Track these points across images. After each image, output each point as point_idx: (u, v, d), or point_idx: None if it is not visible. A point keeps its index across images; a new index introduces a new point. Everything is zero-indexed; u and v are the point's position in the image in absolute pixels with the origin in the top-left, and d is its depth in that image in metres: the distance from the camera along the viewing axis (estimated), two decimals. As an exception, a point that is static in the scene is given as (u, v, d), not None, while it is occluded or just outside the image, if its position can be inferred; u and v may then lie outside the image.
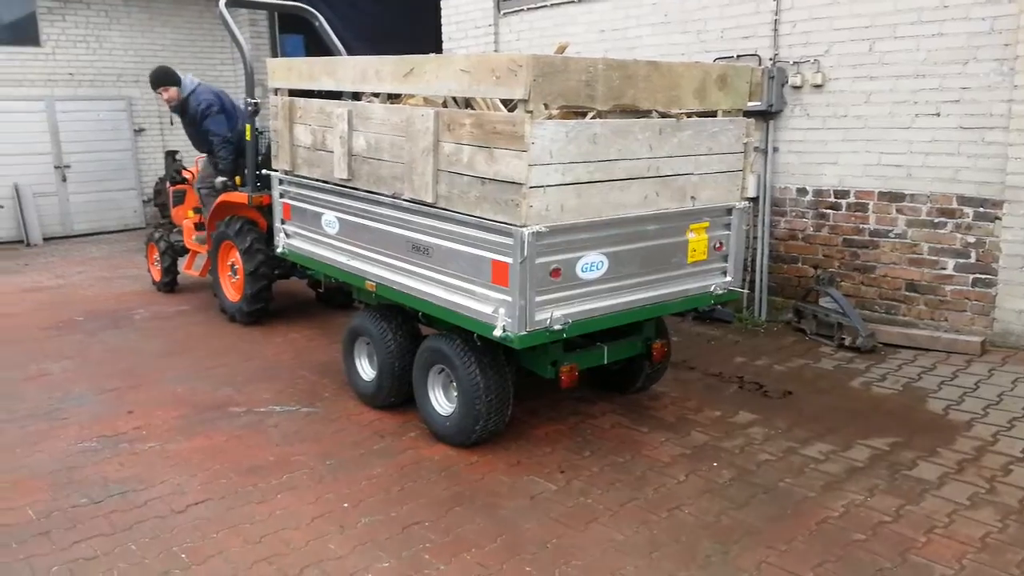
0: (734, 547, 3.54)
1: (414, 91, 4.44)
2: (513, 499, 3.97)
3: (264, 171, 5.87)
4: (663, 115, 4.31)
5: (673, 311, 4.81)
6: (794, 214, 6.98)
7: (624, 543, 3.57)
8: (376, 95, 4.89)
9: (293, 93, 5.50)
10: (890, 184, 6.37)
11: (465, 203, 4.07)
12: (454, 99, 4.37)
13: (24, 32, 12.03)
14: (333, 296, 7.50)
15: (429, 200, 4.25)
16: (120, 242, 11.98)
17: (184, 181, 8.16)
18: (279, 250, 5.79)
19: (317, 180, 5.23)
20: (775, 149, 6.95)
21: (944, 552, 3.47)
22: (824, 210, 6.79)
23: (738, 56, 6.99)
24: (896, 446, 4.55)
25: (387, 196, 4.61)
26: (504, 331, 3.91)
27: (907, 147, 6.22)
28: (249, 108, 6.82)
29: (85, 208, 12.52)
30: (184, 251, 8.31)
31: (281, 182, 5.66)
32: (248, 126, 6.85)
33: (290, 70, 5.43)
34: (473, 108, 4.26)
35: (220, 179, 7.17)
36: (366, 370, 5.20)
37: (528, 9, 8.80)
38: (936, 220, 6.19)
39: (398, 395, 4.97)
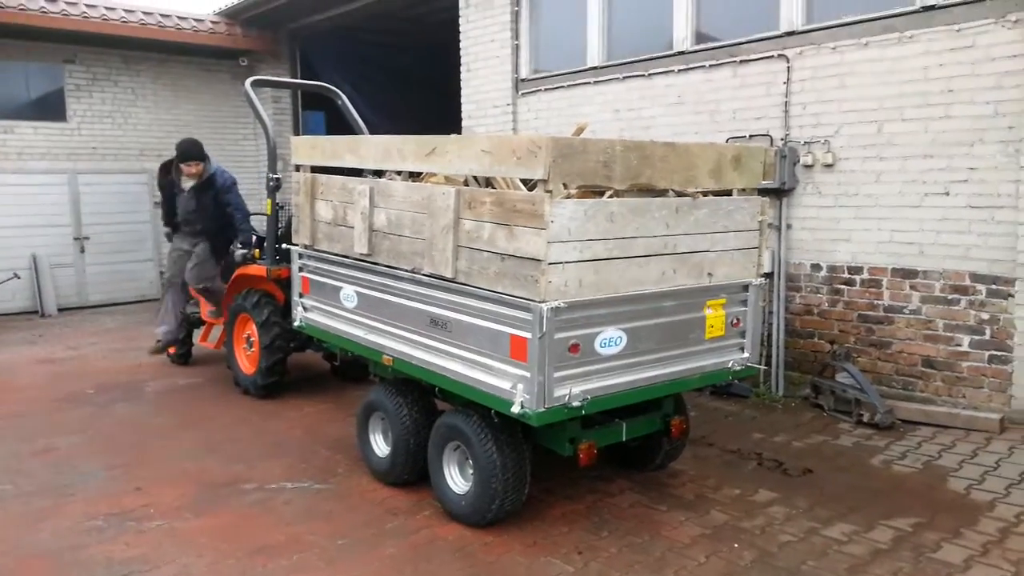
0: (759, 634, 3.44)
1: (436, 170, 4.54)
2: (530, 581, 3.89)
3: (284, 245, 5.94)
4: (679, 194, 4.38)
5: (691, 387, 4.79)
6: (809, 289, 7.01)
7: (645, 628, 3.48)
8: (398, 173, 4.99)
9: (315, 170, 5.62)
10: (903, 261, 6.41)
11: (485, 278, 4.11)
12: (475, 178, 4.46)
13: (51, 108, 12.39)
14: (348, 369, 7.49)
15: (449, 275, 4.29)
16: (135, 313, 12.06)
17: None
18: (297, 324, 5.82)
19: (337, 255, 5.30)
20: (789, 226, 7.02)
21: (976, 641, 3.36)
22: (838, 286, 6.82)
23: (750, 136, 7.13)
24: (919, 527, 4.45)
25: (406, 271, 4.65)
26: (522, 407, 3.90)
27: (918, 225, 6.28)
28: (271, 183, 6.96)
29: (101, 279, 12.66)
30: (199, 323, 8.36)
31: (301, 256, 5.73)
32: (269, 200, 6.98)
33: (314, 147, 5.57)
34: (493, 187, 4.33)
35: (241, 251, 7.26)
36: (380, 446, 5.16)
37: (545, 90, 9.04)
38: (950, 297, 6.19)
39: (412, 472, 4.92)
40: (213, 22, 13.06)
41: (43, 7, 11.19)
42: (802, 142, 6.85)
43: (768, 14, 7.07)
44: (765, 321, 6.91)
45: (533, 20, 9.30)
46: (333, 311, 5.45)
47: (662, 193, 4.33)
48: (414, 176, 4.94)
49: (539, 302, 3.79)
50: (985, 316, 6.02)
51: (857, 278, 6.70)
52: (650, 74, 7.98)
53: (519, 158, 3.84)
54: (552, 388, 3.90)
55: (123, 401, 7.17)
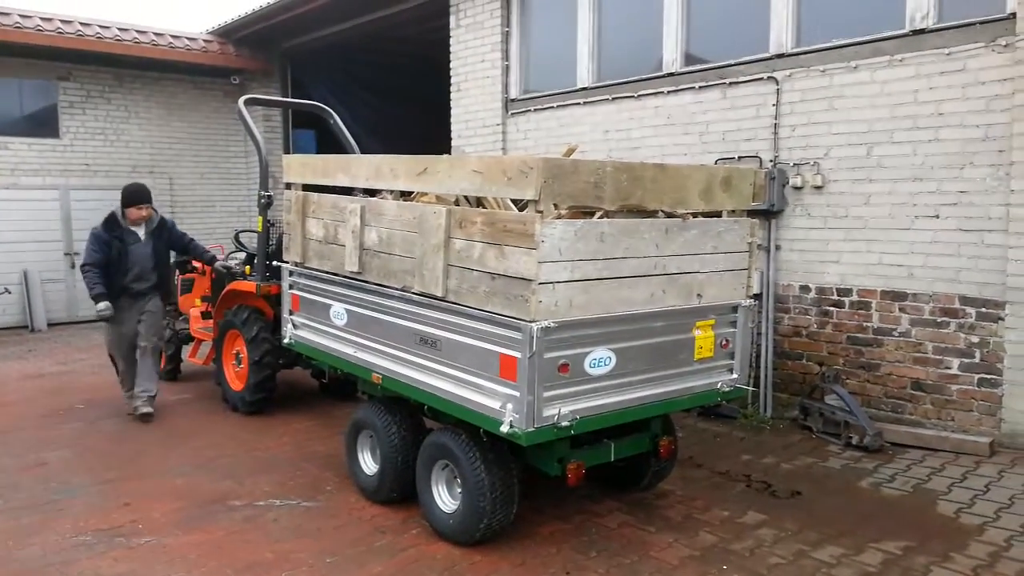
0: (747, 656, 3.42)
1: (427, 189, 4.56)
2: (518, 602, 3.87)
3: (274, 262, 5.94)
4: (669, 215, 4.40)
5: (680, 408, 4.79)
6: (798, 311, 7.04)
7: (633, 650, 3.46)
8: (389, 192, 5.01)
9: (307, 188, 5.63)
10: (892, 283, 6.44)
11: (475, 297, 4.12)
12: (466, 197, 4.48)
13: (44, 124, 12.43)
14: (336, 387, 7.47)
15: (439, 294, 4.30)
16: (124, 329, 11.99)
17: (193, 270, 8.26)
18: (286, 341, 5.81)
19: (327, 272, 5.30)
20: (778, 247, 7.06)
21: (964, 665, 3.36)
22: (827, 308, 6.85)
23: (739, 157, 7.18)
24: (908, 550, 4.45)
25: (397, 289, 4.66)
26: (511, 427, 3.89)
27: (908, 247, 6.32)
28: (262, 200, 6.97)
29: (92, 295, 12.60)
30: (189, 339, 8.34)
31: (291, 273, 5.73)
32: (260, 218, 6.98)
33: (305, 166, 5.59)
34: (484, 206, 4.35)
35: (221, 263, 7.57)
36: (368, 464, 5.14)
37: (535, 110, 9.11)
38: (939, 320, 6.22)
39: (401, 490, 4.90)
40: (206, 41, 13.14)
41: (38, 24, 11.23)
42: (791, 164, 6.91)
43: (758, 36, 7.15)
44: (754, 342, 6.93)
45: (523, 41, 9.39)
46: (323, 328, 5.45)
47: (652, 214, 4.35)
48: (405, 195, 4.96)
49: (529, 322, 3.80)
50: (975, 339, 6.05)
51: (846, 300, 6.73)
52: (639, 95, 8.05)
53: (510, 178, 3.87)
54: (541, 408, 3.90)
55: (113, 416, 7.13)
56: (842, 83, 6.58)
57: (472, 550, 4.37)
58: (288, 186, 5.72)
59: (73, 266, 12.42)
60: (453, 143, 10.05)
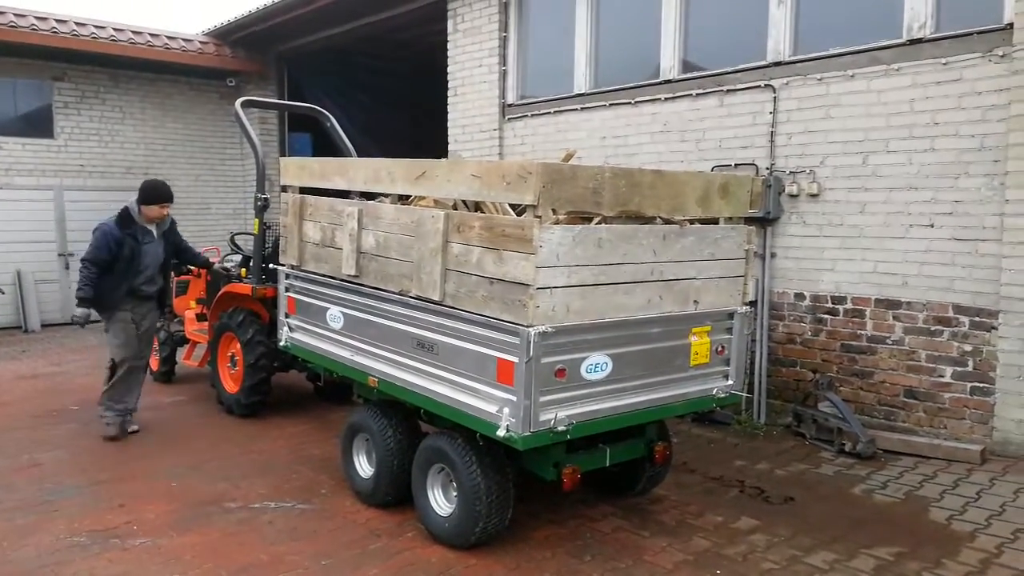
0: (741, 661, 3.44)
1: (425, 193, 4.56)
2: (513, 606, 3.87)
3: (271, 265, 5.95)
4: (667, 221, 4.43)
5: (676, 414, 4.82)
6: (792, 318, 7.07)
7: (628, 655, 3.48)
8: (386, 195, 5.03)
9: (303, 191, 5.64)
10: (886, 292, 6.48)
11: (472, 302, 4.13)
12: (464, 202, 4.50)
13: (39, 124, 12.40)
14: (331, 390, 7.47)
15: (436, 298, 4.31)
16: (118, 330, 11.96)
17: (188, 272, 8.23)
18: (282, 344, 5.81)
19: (324, 275, 5.31)
20: (773, 255, 7.10)
21: (957, 671, 3.38)
22: (822, 315, 6.88)
23: (736, 165, 7.22)
24: (901, 556, 4.47)
25: (394, 293, 4.67)
26: (508, 431, 3.90)
27: (902, 256, 6.36)
28: (259, 203, 6.97)
29: (85, 296, 12.56)
30: (184, 341, 8.32)
31: (288, 276, 5.73)
32: (257, 220, 6.99)
33: (302, 169, 5.59)
34: (482, 211, 4.36)
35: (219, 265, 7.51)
36: (364, 467, 5.15)
37: (532, 115, 9.14)
38: (933, 328, 6.26)
39: (396, 493, 4.91)
40: (202, 42, 13.13)
41: (33, 24, 11.21)
42: (787, 172, 6.95)
43: (755, 44, 7.19)
44: (748, 349, 6.95)
45: (520, 46, 9.42)
46: (319, 331, 5.45)
47: (650, 220, 4.38)
48: (403, 199, 4.97)
49: (527, 326, 3.81)
50: (968, 348, 6.09)
51: (840, 308, 6.77)
52: (636, 102, 8.09)
53: (509, 183, 3.88)
54: (538, 412, 3.91)
55: (105, 419, 7.10)
56: (839, 91, 6.62)
57: (467, 553, 4.37)
58: (285, 189, 5.73)
59: (67, 267, 12.38)
60: (449, 147, 10.07)
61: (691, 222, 4.53)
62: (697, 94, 7.58)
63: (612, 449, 4.64)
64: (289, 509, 5.04)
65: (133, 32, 12.28)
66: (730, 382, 4.86)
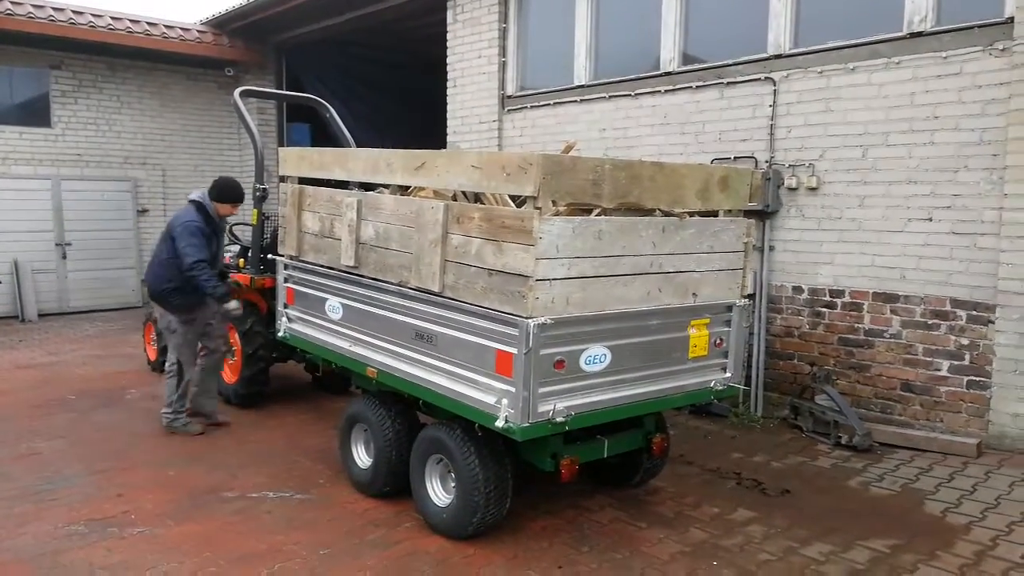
0: (738, 652, 3.46)
1: (425, 184, 4.56)
2: (511, 596, 3.89)
3: (270, 255, 5.94)
4: (666, 213, 4.43)
5: (674, 406, 4.83)
6: (790, 311, 7.08)
7: (625, 645, 3.49)
8: (385, 186, 5.02)
9: (303, 181, 5.62)
10: (884, 285, 6.49)
11: (472, 293, 4.13)
12: (463, 193, 4.49)
13: (36, 113, 12.34)
14: (329, 381, 7.47)
15: (436, 289, 4.31)
16: (116, 320, 11.97)
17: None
18: (281, 334, 5.81)
19: (323, 266, 5.30)
20: (771, 248, 7.10)
21: (951, 662, 3.40)
22: (819, 308, 6.89)
23: (735, 158, 7.21)
24: (896, 548, 4.49)
25: (393, 284, 4.67)
26: (507, 422, 3.91)
27: (901, 250, 6.37)
28: (257, 193, 6.96)
29: (83, 285, 12.57)
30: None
31: (286, 267, 5.73)
32: (255, 211, 6.97)
33: (301, 159, 5.58)
34: (482, 202, 4.36)
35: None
36: (362, 457, 5.16)
37: (531, 107, 9.12)
38: (930, 322, 6.28)
39: (394, 484, 4.92)
40: (199, 32, 13.07)
41: (30, 12, 11.15)
42: (787, 165, 6.95)
43: (755, 37, 7.18)
44: (746, 342, 6.96)
45: (520, 37, 9.39)
46: (318, 322, 5.45)
47: (649, 212, 4.38)
48: (402, 190, 4.96)
49: (526, 318, 3.81)
50: (965, 342, 6.11)
51: (838, 301, 6.78)
52: (636, 94, 8.07)
53: (509, 174, 3.88)
54: (537, 403, 3.92)
55: (104, 407, 7.12)
56: (839, 85, 6.61)
57: (465, 544, 4.39)
58: (283, 179, 5.72)
59: (64, 257, 12.35)
60: (448, 139, 10.05)
61: (691, 215, 4.53)
62: (697, 86, 7.57)
63: (610, 441, 4.65)
64: (287, 499, 5.05)
65: (131, 20, 12.22)
66: (728, 375, 4.87)
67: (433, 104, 11.36)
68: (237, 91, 7.27)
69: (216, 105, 13.92)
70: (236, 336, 6.99)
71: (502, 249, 3.94)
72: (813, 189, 6.80)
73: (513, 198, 4.34)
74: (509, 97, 9.41)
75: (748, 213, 4.92)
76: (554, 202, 3.89)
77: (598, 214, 4.18)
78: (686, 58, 7.82)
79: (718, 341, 4.78)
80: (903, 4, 6.28)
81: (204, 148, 13.86)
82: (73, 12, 11.64)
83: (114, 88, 12.93)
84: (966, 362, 6.13)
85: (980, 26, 5.93)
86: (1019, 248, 5.76)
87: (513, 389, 3.90)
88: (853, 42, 6.56)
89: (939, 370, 6.26)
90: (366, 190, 5.20)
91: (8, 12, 10.96)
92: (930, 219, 6.22)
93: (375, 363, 4.87)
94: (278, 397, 7.44)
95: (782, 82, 6.96)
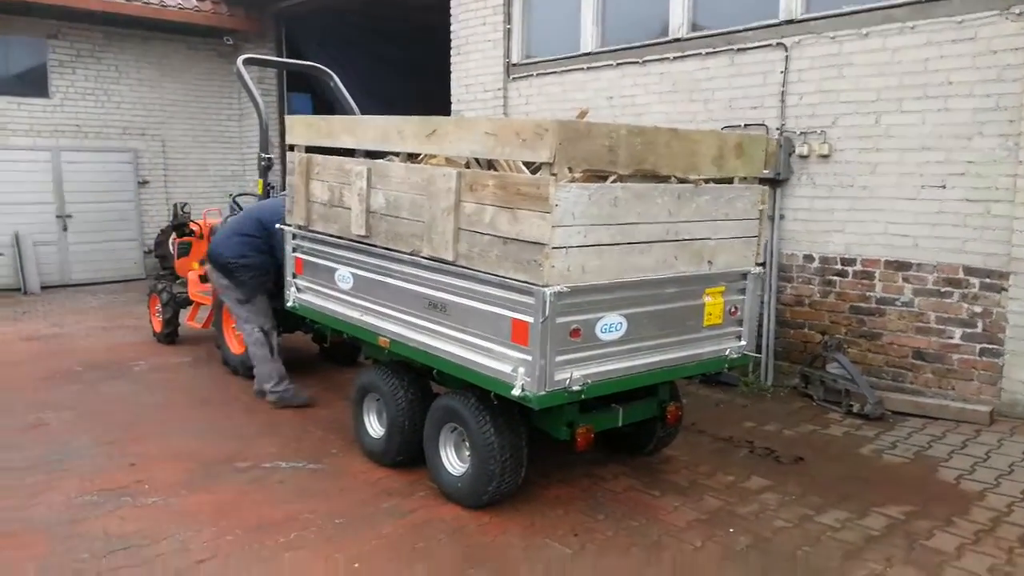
0: (757, 618, 3.46)
1: (436, 151, 4.49)
2: (528, 563, 3.89)
3: (277, 225, 5.88)
4: (681, 180, 4.37)
5: (688, 374, 4.81)
6: (800, 280, 7.04)
7: (644, 612, 3.50)
8: (395, 154, 4.95)
9: (310, 150, 5.55)
10: (897, 253, 6.44)
11: (486, 262, 4.08)
12: (476, 160, 4.43)
13: (34, 83, 12.19)
14: (336, 352, 7.45)
15: (449, 258, 4.26)
16: (118, 292, 11.93)
17: (191, 233, 8.17)
18: (289, 304, 5.77)
19: (332, 236, 5.25)
20: (782, 216, 7.04)
21: (970, 627, 3.41)
22: (831, 277, 6.85)
23: (745, 125, 7.12)
24: (911, 515, 4.50)
25: (405, 253, 4.61)
26: (523, 390, 3.88)
27: (913, 217, 6.31)
28: (263, 163, 6.88)
29: (84, 258, 12.50)
30: (187, 303, 8.28)
31: (295, 236, 5.67)
32: (260, 181, 6.91)
33: (309, 127, 5.50)
34: (496, 169, 4.29)
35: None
36: (375, 427, 5.14)
37: (537, 75, 9.00)
38: (943, 290, 6.24)
39: (407, 453, 4.91)
40: (198, 0, 12.87)
41: (27, -20, 10.98)
42: (798, 132, 6.86)
43: (766, 2, 7.06)
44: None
45: (526, 4, 9.23)
46: (327, 292, 5.41)
47: (664, 179, 4.32)
48: (412, 157, 4.90)
49: (542, 286, 3.77)
50: (978, 309, 6.07)
51: (850, 269, 6.74)
52: (644, 61, 7.96)
53: (524, 140, 3.81)
54: (553, 372, 3.89)
55: (111, 379, 7.10)
56: (851, 50, 6.51)
57: (480, 512, 4.39)
58: (291, 148, 5.64)
59: (65, 229, 12.28)
60: (452, 107, 9.93)
61: (706, 181, 4.47)
62: (707, 53, 7.45)
63: (625, 409, 4.64)
64: (300, 469, 5.04)
65: (128, -11, 12.03)
66: (743, 343, 4.84)
67: (433, 73, 11.22)
68: (240, 59, 7.17)
69: (215, 75, 13.76)
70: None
71: (517, 217, 3.88)
72: (825, 156, 6.72)
73: (527, 165, 4.28)
74: (514, 65, 9.28)
75: (759, 181, 4.85)
76: (570, 169, 3.83)
77: (613, 181, 4.12)
78: (695, 25, 7.70)
79: (733, 309, 4.74)
80: (919, -34, 6.17)
81: (204, 118, 13.72)
82: (70, -20, 11.45)
83: (112, 58, 12.76)
84: (979, 330, 6.10)
85: (996, -11, 5.83)
86: (1034, 215, 5.71)
87: (529, 358, 3.86)
88: (867, 7, 6.46)
89: (951, 338, 6.24)
90: (372, 158, 5.13)
91: (4, -20, 10.79)
92: (944, 186, 6.16)
93: (387, 333, 4.83)
94: (286, 368, 7.39)
95: (794, 48, 6.86)
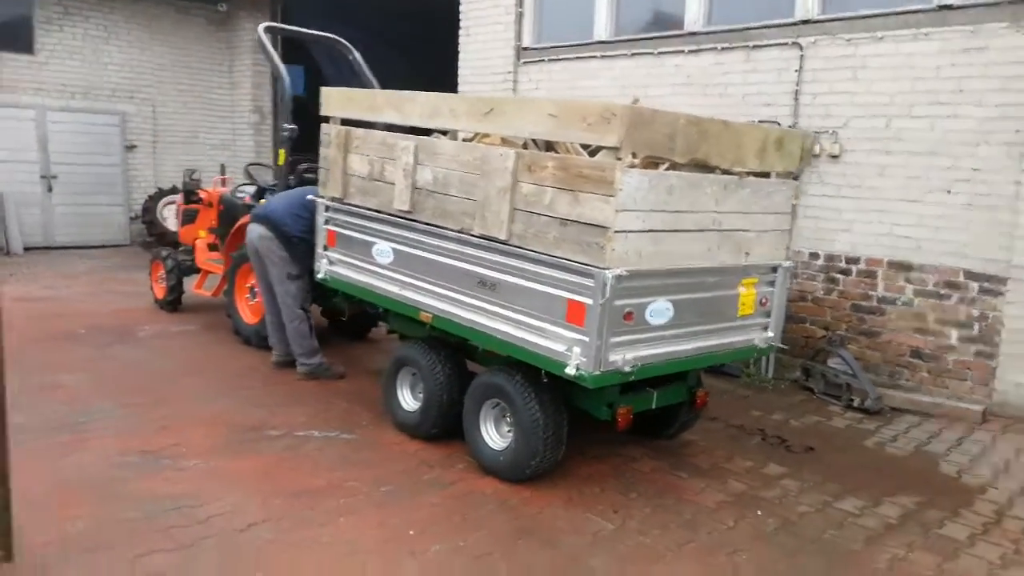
0: (798, 593, 3.65)
1: (492, 130, 4.56)
2: (575, 535, 4.03)
3: (310, 197, 5.89)
4: (725, 172, 4.51)
5: (722, 361, 5.00)
6: (805, 276, 7.27)
7: (692, 584, 3.67)
8: (441, 132, 5.01)
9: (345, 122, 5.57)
10: (900, 254, 6.71)
11: (542, 243, 4.18)
12: (534, 141, 4.51)
13: (18, 39, 11.87)
14: (347, 325, 7.46)
15: (503, 237, 4.34)
16: (105, 258, 11.74)
17: (199, 201, 8.09)
18: (320, 276, 5.79)
19: (372, 210, 5.29)
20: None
21: (995, 606, 3.65)
22: (835, 275, 7.10)
23: (759, 122, 7.30)
24: (922, 505, 4.73)
25: (453, 231, 4.69)
26: (578, 370, 4.01)
27: (918, 220, 6.57)
28: (285, 133, 6.85)
29: (69, 220, 12.27)
30: (191, 270, 8.21)
31: (328, 209, 5.69)
32: (282, 151, 6.88)
33: (349, 100, 5.52)
34: (557, 151, 4.38)
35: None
36: (408, 400, 5.22)
37: (549, 60, 9.08)
38: (942, 292, 6.52)
39: (442, 427, 5.01)
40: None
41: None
42: (810, 132, 7.07)
43: (783, 1, 7.23)
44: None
45: (539, -12, 9.31)
46: (363, 265, 5.45)
47: (710, 170, 4.46)
48: (443, 133, 4.93)
49: (603, 269, 3.89)
50: (975, 312, 6.36)
51: (854, 268, 6.99)
52: (659, 53, 8.10)
53: (590, 124, 3.91)
54: (608, 353, 4.02)
55: (119, 344, 7.04)
56: (866, 53, 6.73)
57: (521, 487, 4.51)
58: (326, 120, 5.65)
59: (50, 190, 12.02)
60: (459, 88, 9.96)
61: (748, 174, 4.63)
62: (722, 48, 7.62)
63: (658, 392, 4.79)
64: (333, 438, 5.10)
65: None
66: (770, 334, 5.03)
67: (438, 54, 11.20)
68: (262, 26, 7.12)
69: (206, 42, 13.55)
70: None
71: (579, 199, 3.99)
72: (835, 157, 6.95)
73: (584, 147, 4.38)
74: (525, 49, 9.34)
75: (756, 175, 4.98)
76: (634, 154, 3.95)
77: (666, 168, 4.25)
78: (711, 19, 7.85)
79: (763, 300, 4.92)
80: (936, -23, 6.40)
81: (194, 85, 13.51)
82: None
83: (101, 17, 12.49)
84: (975, 332, 6.40)
85: (1009, 1, 6.06)
86: (1036, 223, 6.00)
87: (586, 338, 3.98)
88: (883, 11, 6.66)
89: (948, 339, 6.53)
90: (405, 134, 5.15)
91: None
92: (949, 191, 6.42)
93: (430, 308, 4.90)
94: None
95: (809, 48, 7.06)
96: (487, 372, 4.75)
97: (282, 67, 7.00)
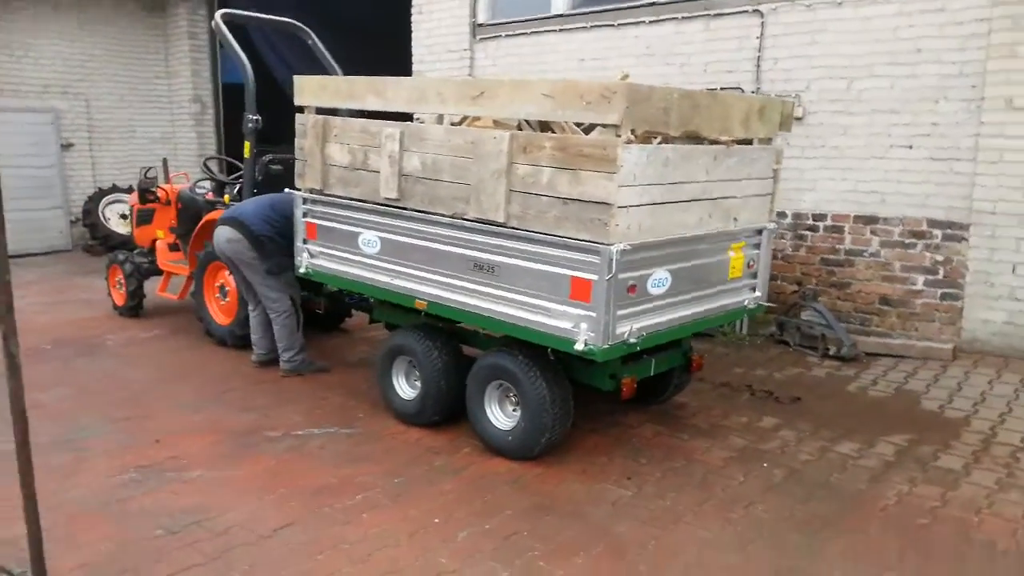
0: (816, 537, 3.82)
1: (484, 113, 4.54)
2: (595, 506, 4.10)
3: (287, 189, 5.77)
4: (712, 142, 4.59)
5: (716, 324, 5.10)
6: (774, 236, 7.42)
7: (715, 540, 3.79)
8: (425, 116, 4.95)
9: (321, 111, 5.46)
10: (865, 208, 6.92)
11: (543, 223, 4.19)
12: (527, 122, 4.50)
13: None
14: (324, 318, 7.36)
15: (500, 220, 4.34)
16: (49, 265, 11.27)
17: (155, 200, 7.82)
18: (302, 270, 5.69)
19: (355, 200, 5.21)
20: (757, 174, 7.40)
21: (999, 529, 3.91)
22: (802, 232, 7.29)
23: (721, 88, 7.40)
24: (913, 442, 4.98)
25: (445, 216, 4.66)
26: (587, 345, 4.06)
27: (882, 175, 6.79)
28: (250, 125, 6.67)
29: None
30: (151, 273, 7.96)
31: (306, 201, 5.58)
32: (247, 143, 6.70)
33: (323, 88, 5.41)
34: (553, 131, 4.37)
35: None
36: (405, 389, 5.21)
37: (506, 36, 9.01)
38: (907, 241, 6.77)
39: (443, 412, 5.02)
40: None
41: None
42: (772, 96, 7.20)
43: (740, -31, 7.33)
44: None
45: (492, -38, 9.22)
46: (348, 257, 5.37)
47: (700, 141, 4.53)
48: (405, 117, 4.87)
49: (608, 245, 3.93)
50: (939, 258, 6.63)
51: (820, 224, 7.19)
52: (619, 24, 8.12)
53: (589, 103, 3.92)
54: (615, 326, 4.08)
55: (87, 355, 6.79)
56: (825, 18, 6.88)
57: (532, 464, 4.56)
58: (301, 109, 5.53)
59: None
60: (414, 68, 9.84)
61: (734, 143, 4.71)
62: (683, 18, 7.68)
63: (656, 359, 4.89)
64: (334, 435, 5.05)
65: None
66: (757, 294, 5.17)
67: (385, 38, 10.99)
68: (218, 14, 6.87)
69: (140, 30, 13.02)
70: (227, 275, 6.76)
71: (579, 178, 4.01)
72: (798, 119, 7.09)
73: (577, 125, 4.40)
74: (480, 25, 9.26)
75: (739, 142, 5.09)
76: (633, 131, 3.98)
77: (659, 142, 4.30)
78: (669, -12, 7.90)
79: (750, 263, 5.05)
80: (889, -63, 6.55)
81: (130, 77, 13.00)
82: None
83: (27, 7, 11.84)
84: (940, 276, 6.67)
85: (963, -38, 6.27)
86: (993, 172, 6.26)
87: (593, 314, 4.03)
88: (838, -25, 6.81)
89: (915, 284, 6.80)
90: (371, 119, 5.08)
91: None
92: (910, 146, 6.64)
93: (424, 295, 4.87)
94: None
95: (770, 14, 7.17)
96: (489, 354, 4.76)
97: (244, 56, 6.78)
